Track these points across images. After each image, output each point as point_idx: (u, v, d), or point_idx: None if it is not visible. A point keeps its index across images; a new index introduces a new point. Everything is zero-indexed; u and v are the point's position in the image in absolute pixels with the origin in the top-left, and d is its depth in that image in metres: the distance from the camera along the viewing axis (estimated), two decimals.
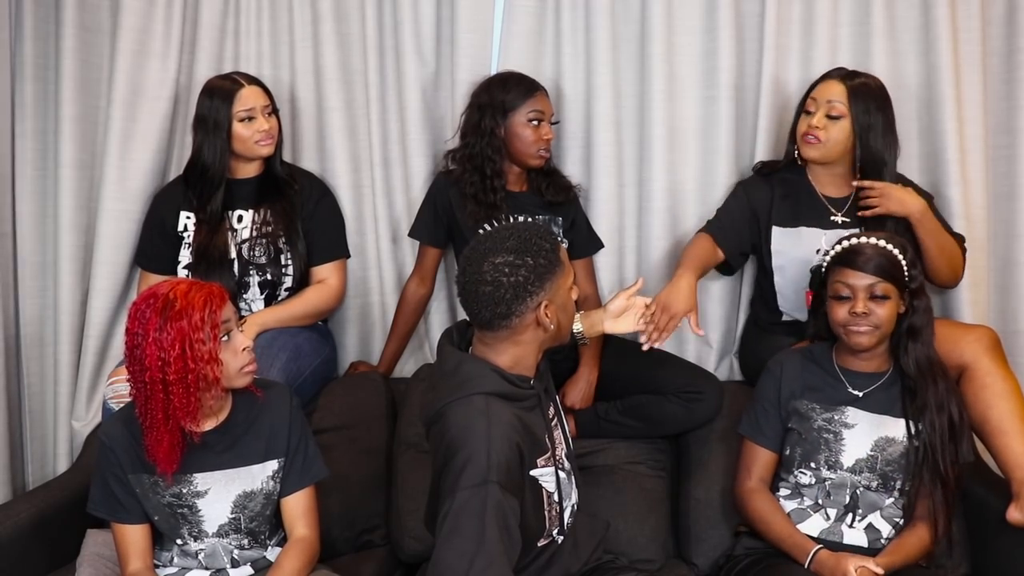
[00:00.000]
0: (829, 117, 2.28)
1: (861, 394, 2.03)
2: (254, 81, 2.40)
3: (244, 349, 1.78)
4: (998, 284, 2.58)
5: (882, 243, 1.97)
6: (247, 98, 2.36)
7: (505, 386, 1.67)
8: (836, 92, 2.28)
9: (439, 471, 1.63)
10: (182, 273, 2.40)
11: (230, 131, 2.35)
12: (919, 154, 2.57)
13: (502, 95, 2.37)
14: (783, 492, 2.07)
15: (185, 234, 2.42)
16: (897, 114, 2.52)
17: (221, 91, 2.36)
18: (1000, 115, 2.56)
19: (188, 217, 2.42)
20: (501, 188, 2.39)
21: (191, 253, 2.39)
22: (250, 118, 2.36)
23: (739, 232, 2.40)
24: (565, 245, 2.45)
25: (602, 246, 2.57)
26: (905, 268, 1.97)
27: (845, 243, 2.01)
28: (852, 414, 2.02)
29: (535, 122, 2.36)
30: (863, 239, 1.99)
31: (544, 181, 2.46)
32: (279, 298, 2.43)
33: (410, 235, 2.53)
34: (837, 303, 1.99)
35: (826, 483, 2.02)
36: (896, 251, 1.97)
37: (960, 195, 2.49)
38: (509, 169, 2.43)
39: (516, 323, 1.67)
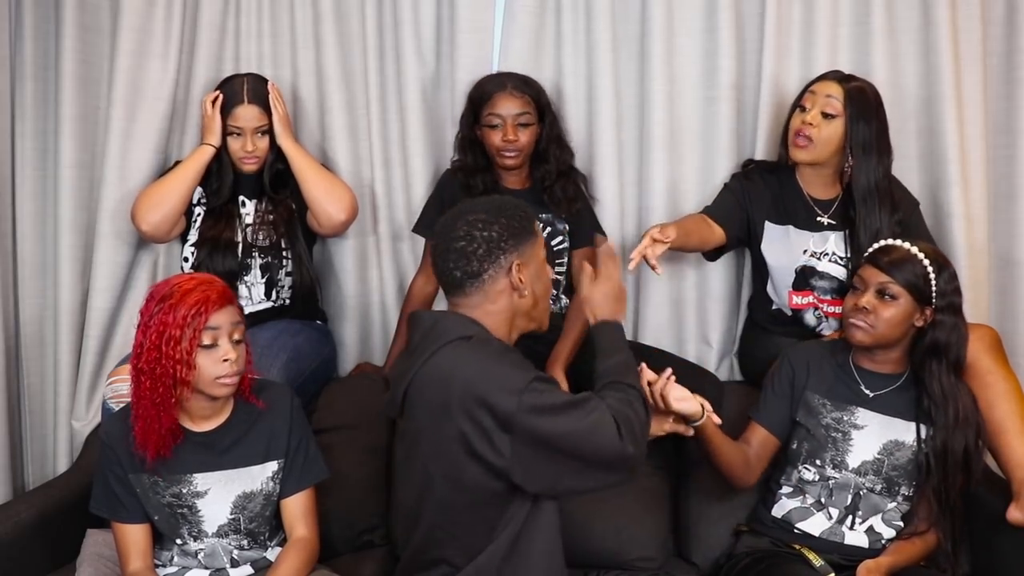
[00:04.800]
0: (824, 115, 2.26)
1: (872, 395, 2.02)
2: (256, 99, 2.40)
3: (226, 360, 1.74)
4: (998, 284, 2.58)
5: (914, 250, 1.95)
6: (240, 116, 2.39)
7: (489, 336, 1.65)
8: (834, 90, 2.26)
9: (477, 425, 1.53)
10: (188, 250, 2.43)
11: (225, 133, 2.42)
12: (919, 154, 2.57)
13: (476, 92, 2.40)
14: (785, 489, 2.07)
15: (196, 208, 2.45)
16: (897, 114, 2.53)
17: (226, 96, 2.40)
18: (1000, 115, 2.56)
19: (201, 192, 2.45)
20: (492, 185, 2.39)
21: (197, 231, 2.43)
22: (238, 134, 2.40)
23: (734, 215, 2.39)
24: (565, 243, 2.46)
25: (603, 233, 2.51)
26: (933, 282, 1.93)
27: (883, 241, 2.01)
28: (862, 415, 2.01)
29: (492, 126, 2.36)
30: (899, 241, 1.99)
31: (552, 180, 2.42)
32: (279, 283, 2.45)
33: (414, 231, 2.53)
34: (851, 293, 2.00)
35: (829, 482, 2.02)
36: (927, 261, 1.94)
37: (960, 195, 2.48)
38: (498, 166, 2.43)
39: (488, 285, 1.65)
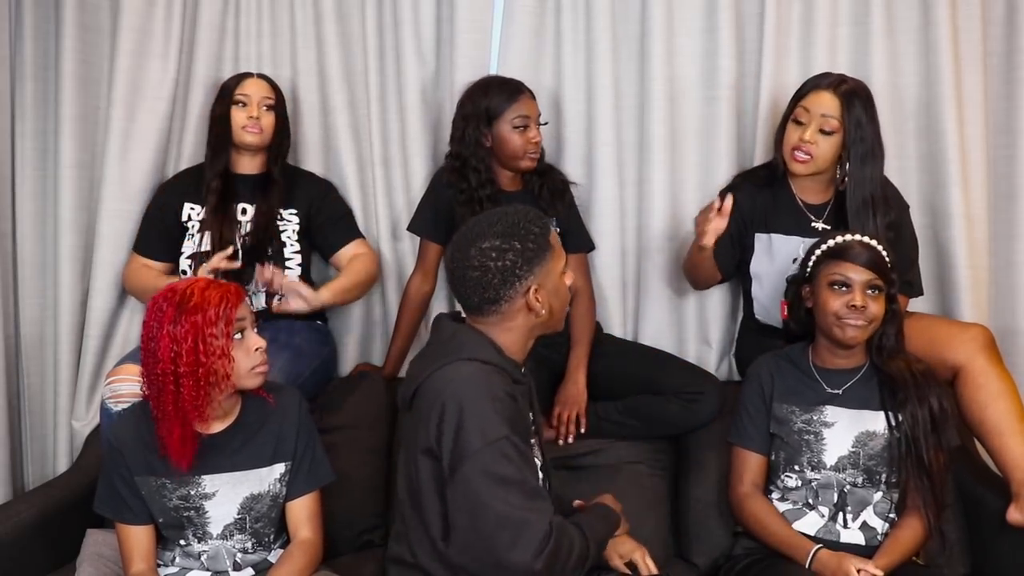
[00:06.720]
0: (822, 132, 2.23)
1: (836, 391, 2.03)
2: (263, 77, 2.46)
3: (257, 349, 1.78)
4: (998, 284, 2.58)
5: (873, 242, 2.00)
6: (247, 86, 2.43)
7: (499, 359, 1.65)
8: (829, 105, 2.21)
9: (438, 438, 1.57)
10: (185, 263, 2.42)
11: (229, 117, 2.41)
12: (919, 154, 2.57)
13: (485, 102, 2.36)
14: (774, 496, 2.07)
15: (189, 224, 2.44)
16: (897, 114, 2.53)
17: (227, 87, 2.43)
18: (1000, 115, 2.56)
19: (192, 208, 2.44)
20: (492, 193, 2.37)
21: (196, 243, 2.41)
22: (243, 104, 2.41)
23: (730, 246, 2.37)
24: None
25: (593, 247, 2.56)
26: (890, 267, 1.99)
27: (837, 239, 2.01)
28: (831, 412, 2.02)
29: (521, 127, 2.34)
30: (855, 236, 2.00)
31: (538, 181, 2.45)
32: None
33: (409, 229, 2.53)
34: (832, 294, 1.98)
35: (812, 484, 2.02)
36: (883, 251, 1.99)
37: (960, 195, 2.48)
38: (500, 172, 2.42)
39: (506, 308, 1.65)
